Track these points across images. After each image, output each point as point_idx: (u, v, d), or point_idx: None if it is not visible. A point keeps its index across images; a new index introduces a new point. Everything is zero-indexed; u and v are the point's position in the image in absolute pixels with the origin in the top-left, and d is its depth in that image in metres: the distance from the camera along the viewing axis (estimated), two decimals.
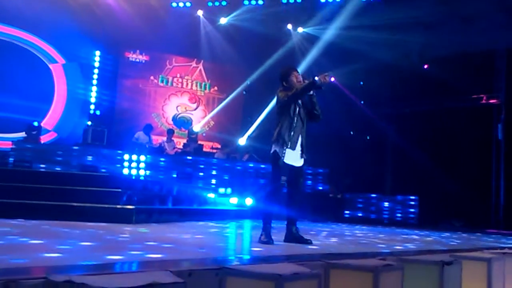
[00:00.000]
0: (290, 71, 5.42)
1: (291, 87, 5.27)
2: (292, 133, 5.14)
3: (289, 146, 5.11)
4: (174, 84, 15.84)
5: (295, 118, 5.17)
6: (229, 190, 11.68)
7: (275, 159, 5.17)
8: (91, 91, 14.56)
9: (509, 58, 13.00)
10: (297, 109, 5.20)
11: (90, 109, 14.43)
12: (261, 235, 5.02)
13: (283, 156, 5.11)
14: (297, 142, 5.19)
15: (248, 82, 15.45)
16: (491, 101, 13.14)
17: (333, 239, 6.18)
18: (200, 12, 15.44)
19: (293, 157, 5.17)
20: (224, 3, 15.02)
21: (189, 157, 12.34)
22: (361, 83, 14.82)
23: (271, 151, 5.22)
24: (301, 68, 13.09)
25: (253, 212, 10.37)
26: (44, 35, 13.92)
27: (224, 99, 16.03)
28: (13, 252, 3.30)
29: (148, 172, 11.19)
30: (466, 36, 12.44)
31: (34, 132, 11.67)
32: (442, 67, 12.82)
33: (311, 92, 5.27)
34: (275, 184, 5.20)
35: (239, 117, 16.24)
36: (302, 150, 5.21)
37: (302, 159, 5.24)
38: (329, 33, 14.06)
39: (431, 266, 3.28)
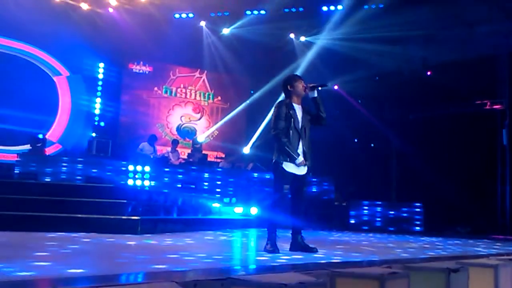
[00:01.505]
0: (296, 77, 5.50)
1: (295, 92, 5.29)
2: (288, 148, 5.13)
3: (288, 161, 5.12)
4: (178, 95, 15.90)
5: (290, 132, 5.15)
6: (234, 200, 11.67)
7: (277, 168, 5.17)
8: (95, 102, 14.66)
9: None
10: (292, 122, 5.16)
11: (95, 121, 14.52)
12: (267, 244, 5.02)
13: (284, 166, 5.11)
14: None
15: (251, 91, 15.53)
16: (495, 106, 13.09)
17: (339, 247, 6.16)
18: (203, 23, 15.53)
19: (295, 166, 5.15)
20: (226, 13, 15.10)
21: (193, 167, 12.35)
22: (364, 90, 14.82)
23: (273, 161, 5.23)
24: (303, 77, 13.13)
25: (258, 221, 10.36)
26: (48, 48, 14.02)
27: (228, 108, 16.08)
28: (19, 264, 3.31)
29: (153, 183, 11.19)
30: (469, 41, 12.44)
31: (39, 144, 11.71)
32: (445, 73, 12.80)
33: (315, 95, 5.31)
34: (279, 193, 5.19)
35: (243, 126, 16.26)
36: (304, 159, 5.19)
37: (305, 167, 5.23)
38: (331, 41, 14.12)
39: (437, 273, 3.26)
